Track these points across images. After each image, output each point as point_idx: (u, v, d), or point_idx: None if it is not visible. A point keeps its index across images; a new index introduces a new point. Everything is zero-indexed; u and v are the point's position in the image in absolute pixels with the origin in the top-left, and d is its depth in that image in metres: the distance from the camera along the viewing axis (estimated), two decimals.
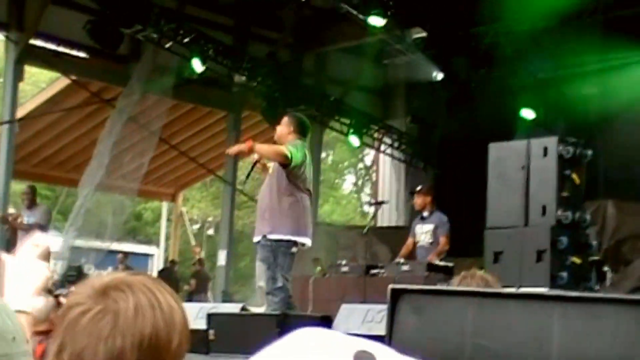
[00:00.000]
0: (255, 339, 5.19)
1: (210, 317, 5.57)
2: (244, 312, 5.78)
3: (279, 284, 5.62)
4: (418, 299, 2.58)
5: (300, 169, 5.82)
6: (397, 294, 2.56)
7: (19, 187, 25.51)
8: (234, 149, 6.45)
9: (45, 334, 2.98)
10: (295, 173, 5.79)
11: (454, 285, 3.08)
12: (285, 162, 5.72)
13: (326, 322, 5.22)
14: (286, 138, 5.88)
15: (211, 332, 5.38)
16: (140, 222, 27.32)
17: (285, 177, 5.78)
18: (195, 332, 5.56)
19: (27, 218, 8.82)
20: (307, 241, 5.85)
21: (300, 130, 5.95)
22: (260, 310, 5.71)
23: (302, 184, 5.85)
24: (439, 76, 12.20)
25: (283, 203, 5.74)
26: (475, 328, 2.39)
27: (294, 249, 5.75)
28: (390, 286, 2.60)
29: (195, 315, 5.63)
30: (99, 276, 1.17)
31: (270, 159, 5.89)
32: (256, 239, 5.86)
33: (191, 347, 1.16)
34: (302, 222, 5.79)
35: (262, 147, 5.90)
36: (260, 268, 5.80)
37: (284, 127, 5.95)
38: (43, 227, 8.59)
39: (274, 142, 6.08)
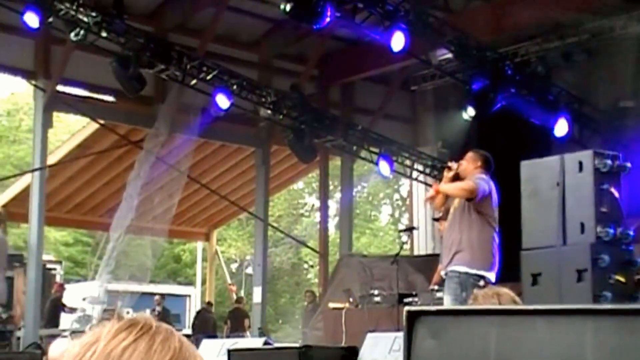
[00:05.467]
0: None
1: (230, 353, 5.31)
2: (265, 347, 5.53)
3: None
4: (436, 322, 2.34)
5: (488, 201, 5.91)
6: (413, 317, 2.34)
7: (58, 234, 25.80)
8: (427, 197, 6.42)
9: None
10: (483, 205, 5.88)
11: (478, 302, 2.83)
12: (470, 196, 5.82)
13: (352, 353, 4.97)
14: (472, 172, 6.00)
15: None
16: (180, 264, 27.34)
17: (474, 211, 5.86)
18: None
19: None
20: (493, 276, 5.87)
21: (486, 166, 6.06)
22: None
23: (490, 218, 5.95)
24: (471, 112, 11.72)
25: (472, 236, 5.85)
26: (499, 350, 2.14)
27: (481, 283, 5.75)
28: (406, 308, 2.40)
29: (217, 352, 5.40)
30: None
31: (456, 196, 5.96)
32: (443, 271, 5.95)
33: None
34: (490, 256, 5.87)
35: (446, 186, 6.01)
36: (446, 300, 5.81)
37: (469, 163, 6.07)
38: None
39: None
